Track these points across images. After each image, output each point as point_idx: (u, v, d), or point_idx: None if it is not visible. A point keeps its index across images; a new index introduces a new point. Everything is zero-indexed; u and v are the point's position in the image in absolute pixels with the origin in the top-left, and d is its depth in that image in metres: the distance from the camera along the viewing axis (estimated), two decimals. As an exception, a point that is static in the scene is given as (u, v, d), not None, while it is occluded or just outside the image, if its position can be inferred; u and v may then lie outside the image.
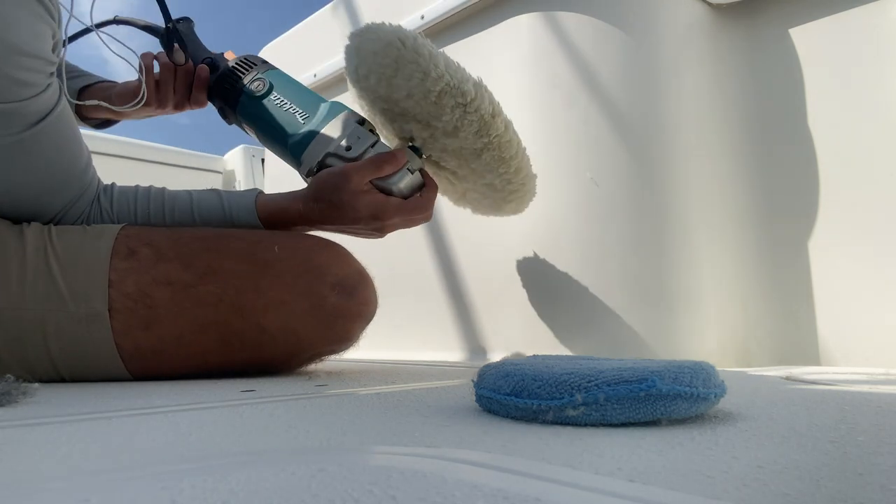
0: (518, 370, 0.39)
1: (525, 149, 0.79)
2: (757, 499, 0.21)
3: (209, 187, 0.79)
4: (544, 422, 0.37)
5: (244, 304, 0.67)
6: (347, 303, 0.70)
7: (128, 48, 0.84)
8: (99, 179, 0.73)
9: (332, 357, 0.77)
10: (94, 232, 0.67)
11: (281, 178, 1.44)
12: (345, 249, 0.75)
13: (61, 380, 0.65)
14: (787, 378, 0.64)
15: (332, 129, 0.78)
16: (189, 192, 0.76)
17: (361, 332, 0.75)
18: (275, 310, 0.67)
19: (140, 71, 0.85)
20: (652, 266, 0.87)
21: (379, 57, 0.72)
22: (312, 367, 0.80)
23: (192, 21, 0.89)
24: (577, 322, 0.89)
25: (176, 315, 0.65)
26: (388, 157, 0.74)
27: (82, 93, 0.88)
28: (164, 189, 0.76)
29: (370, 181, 0.73)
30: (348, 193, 0.72)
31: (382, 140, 0.79)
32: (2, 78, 0.56)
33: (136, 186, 0.76)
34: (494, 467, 0.26)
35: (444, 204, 1.11)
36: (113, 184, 0.75)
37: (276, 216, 0.75)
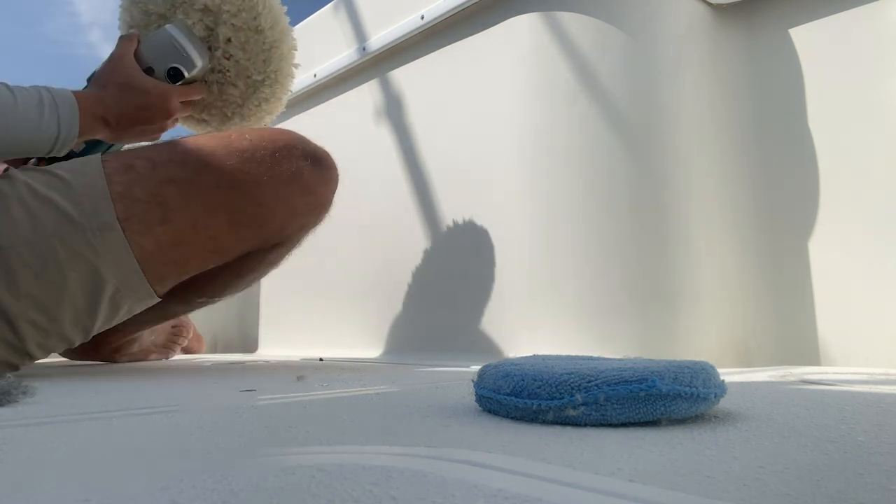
0: (518, 370, 0.39)
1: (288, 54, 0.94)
2: (757, 499, 0.21)
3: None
4: (544, 422, 0.37)
5: (240, 183, 0.75)
6: (320, 169, 0.81)
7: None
8: None
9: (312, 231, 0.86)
10: (78, 161, 0.73)
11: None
12: (300, 134, 0.84)
13: (77, 323, 0.70)
14: (787, 378, 0.64)
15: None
16: (9, 88, 0.72)
17: (333, 198, 0.86)
18: (266, 184, 0.76)
19: None
20: (652, 265, 0.87)
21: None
22: (311, 367, 0.80)
23: None
24: (577, 322, 0.89)
25: (187, 203, 0.73)
26: (130, 34, 0.87)
27: None
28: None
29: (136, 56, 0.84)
30: (127, 69, 0.81)
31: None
32: None
33: None
34: (494, 467, 0.26)
35: (444, 205, 1.11)
36: None
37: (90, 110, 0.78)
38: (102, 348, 1.03)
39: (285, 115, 1.52)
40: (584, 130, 0.92)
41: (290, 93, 0.99)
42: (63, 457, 0.29)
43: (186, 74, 0.86)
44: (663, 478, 0.24)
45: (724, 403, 0.42)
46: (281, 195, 0.78)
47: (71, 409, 0.44)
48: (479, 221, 1.04)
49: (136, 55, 0.83)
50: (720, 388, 0.38)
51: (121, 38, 0.86)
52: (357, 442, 0.32)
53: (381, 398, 0.49)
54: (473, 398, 0.42)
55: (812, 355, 0.84)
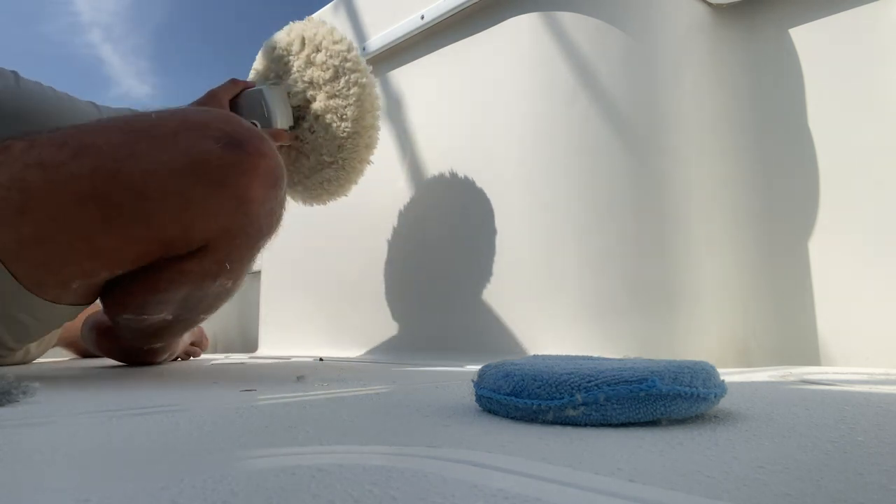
0: (518, 370, 0.39)
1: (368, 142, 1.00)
2: (757, 499, 0.21)
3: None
4: (544, 422, 0.37)
5: (121, 170, 0.62)
6: (238, 155, 0.64)
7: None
8: None
9: (258, 245, 0.72)
10: None
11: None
12: (233, 113, 0.72)
13: None
14: (787, 378, 0.64)
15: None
16: (96, 107, 0.77)
17: (270, 196, 0.68)
18: (154, 174, 0.62)
19: None
20: (652, 266, 0.87)
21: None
22: (310, 368, 0.80)
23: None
24: (577, 322, 0.89)
25: (50, 192, 0.61)
26: (238, 80, 0.95)
27: None
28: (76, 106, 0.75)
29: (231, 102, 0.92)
30: (214, 106, 0.87)
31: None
32: None
33: (48, 86, 0.75)
34: (494, 467, 0.26)
35: (444, 205, 1.11)
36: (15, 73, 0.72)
37: None
38: (131, 353, 0.98)
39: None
40: (584, 130, 0.92)
41: (356, 183, 1.04)
42: (63, 457, 0.29)
43: None
44: (663, 478, 0.24)
45: (724, 403, 0.42)
46: (173, 185, 0.62)
47: (71, 409, 0.44)
48: (479, 221, 1.04)
49: (233, 100, 0.93)
50: (720, 388, 0.38)
51: (230, 80, 0.94)
52: (357, 442, 0.32)
53: (381, 398, 0.49)
54: (473, 398, 0.42)
55: (812, 355, 0.84)
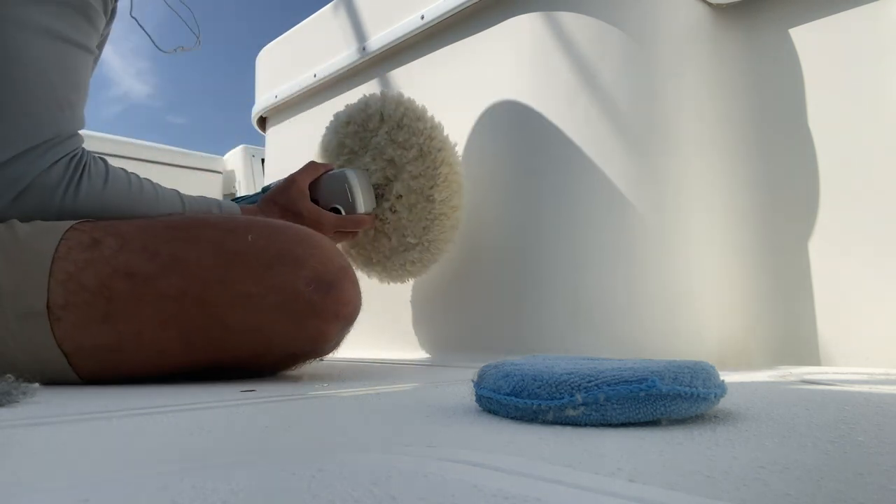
0: (518, 370, 0.39)
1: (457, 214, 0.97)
2: (757, 499, 0.21)
3: (207, 188, 0.81)
4: (544, 422, 0.37)
5: (208, 298, 0.62)
6: (323, 300, 0.64)
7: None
8: (88, 152, 0.70)
9: (314, 361, 0.73)
10: (47, 225, 0.62)
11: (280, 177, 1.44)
12: (329, 242, 0.71)
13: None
14: (787, 378, 0.64)
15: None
16: (181, 198, 0.76)
17: (341, 334, 0.69)
18: (241, 305, 0.62)
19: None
20: (652, 266, 0.87)
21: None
22: (310, 367, 0.80)
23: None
24: (576, 322, 0.89)
25: (137, 306, 0.61)
26: (318, 163, 0.93)
27: None
28: (157, 191, 0.74)
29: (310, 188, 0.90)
30: (294, 193, 0.86)
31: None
32: None
33: (136, 182, 0.74)
34: (494, 467, 0.26)
35: (444, 204, 1.11)
36: (107, 165, 0.72)
37: None
38: None
39: (287, 117, 1.52)
40: (584, 130, 0.92)
41: (437, 262, 1.00)
42: (63, 457, 0.29)
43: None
44: (663, 478, 0.24)
45: (724, 403, 0.42)
46: (257, 320, 0.63)
47: (71, 409, 0.45)
48: (479, 221, 1.04)
49: (313, 183, 0.91)
50: (720, 388, 0.38)
51: (309, 162, 0.92)
52: (357, 442, 0.32)
53: (382, 398, 0.49)
54: (473, 398, 0.42)
55: (812, 355, 0.84)
